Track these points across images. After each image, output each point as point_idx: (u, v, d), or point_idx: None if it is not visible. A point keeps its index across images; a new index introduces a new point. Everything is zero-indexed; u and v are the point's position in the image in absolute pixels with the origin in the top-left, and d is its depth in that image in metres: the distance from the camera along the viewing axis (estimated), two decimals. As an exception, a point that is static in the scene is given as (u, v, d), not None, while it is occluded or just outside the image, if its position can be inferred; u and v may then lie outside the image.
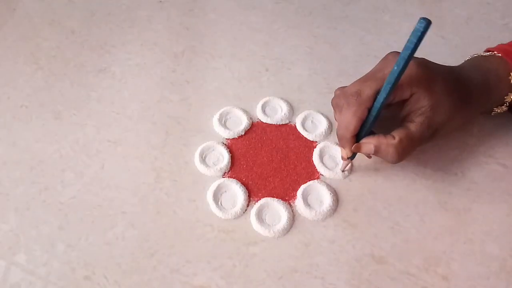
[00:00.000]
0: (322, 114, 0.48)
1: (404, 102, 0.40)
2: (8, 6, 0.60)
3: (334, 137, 0.47)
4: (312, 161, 0.45)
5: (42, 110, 0.49)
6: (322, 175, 0.44)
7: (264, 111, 0.49)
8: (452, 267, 0.39)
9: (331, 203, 0.42)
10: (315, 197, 0.43)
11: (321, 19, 0.58)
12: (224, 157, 0.45)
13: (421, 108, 0.39)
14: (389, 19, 0.58)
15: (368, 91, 0.39)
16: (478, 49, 0.46)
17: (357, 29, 0.57)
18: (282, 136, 0.47)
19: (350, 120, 0.40)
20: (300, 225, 0.41)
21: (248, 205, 0.42)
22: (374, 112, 0.39)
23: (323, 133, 0.47)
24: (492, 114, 0.45)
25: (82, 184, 0.43)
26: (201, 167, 0.44)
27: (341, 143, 0.42)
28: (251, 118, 0.48)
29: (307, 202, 0.42)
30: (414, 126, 0.40)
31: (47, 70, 0.53)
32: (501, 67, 0.43)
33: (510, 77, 0.42)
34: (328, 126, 0.47)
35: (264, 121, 0.48)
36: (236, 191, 0.43)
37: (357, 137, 0.41)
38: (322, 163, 0.45)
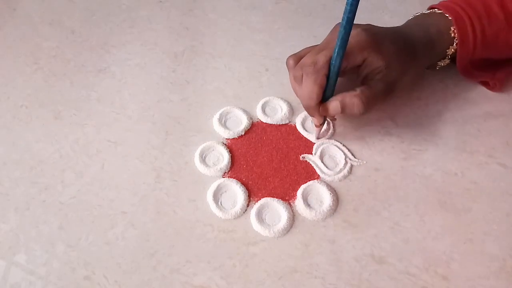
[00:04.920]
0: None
1: (358, 68, 0.43)
2: (8, 6, 0.60)
3: (334, 136, 0.47)
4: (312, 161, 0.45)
5: (42, 110, 0.49)
6: (322, 175, 0.44)
7: (264, 111, 0.49)
8: (452, 267, 0.39)
9: (331, 203, 0.42)
10: (315, 197, 0.43)
11: (321, 19, 0.58)
12: (224, 157, 0.45)
13: (376, 69, 0.42)
14: (389, 19, 0.58)
15: (323, 58, 0.41)
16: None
17: (357, 29, 0.57)
18: (282, 136, 0.47)
19: (311, 88, 0.42)
20: (300, 225, 0.41)
21: (248, 205, 0.42)
22: (332, 77, 0.42)
23: (323, 133, 0.47)
24: (437, 68, 0.48)
25: (82, 184, 0.43)
26: (201, 167, 0.44)
27: (309, 113, 0.44)
28: (251, 118, 0.48)
29: (307, 202, 0.42)
30: (373, 82, 0.42)
31: (47, 70, 0.53)
32: (442, 22, 0.45)
33: (450, 31, 0.45)
34: (328, 126, 0.47)
35: (264, 121, 0.48)
36: (236, 191, 0.43)
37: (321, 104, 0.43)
38: (322, 163, 0.45)
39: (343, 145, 0.46)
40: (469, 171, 0.44)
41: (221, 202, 0.42)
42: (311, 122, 0.48)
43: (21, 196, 0.43)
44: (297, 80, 0.43)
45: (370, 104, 0.42)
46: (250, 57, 0.54)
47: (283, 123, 0.48)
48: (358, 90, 0.42)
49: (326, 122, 0.46)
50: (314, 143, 0.46)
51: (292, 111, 0.49)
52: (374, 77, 0.42)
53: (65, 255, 0.39)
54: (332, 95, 0.43)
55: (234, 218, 0.41)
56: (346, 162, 0.45)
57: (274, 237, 0.40)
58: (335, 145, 0.46)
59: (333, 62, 0.41)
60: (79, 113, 0.49)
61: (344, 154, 0.45)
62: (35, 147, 0.46)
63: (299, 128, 0.47)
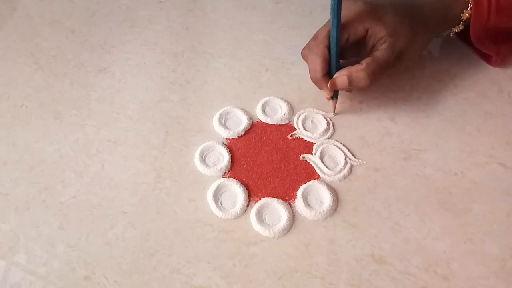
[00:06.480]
0: (322, 114, 0.48)
1: (364, 40, 0.44)
2: (8, 6, 0.60)
3: (334, 136, 0.47)
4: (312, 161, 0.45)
5: (42, 110, 0.49)
6: (322, 175, 0.44)
7: (264, 111, 0.49)
8: (452, 267, 0.39)
9: (331, 203, 0.42)
10: (315, 197, 0.43)
11: (321, 19, 0.58)
12: (224, 157, 0.45)
13: (381, 38, 0.43)
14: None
15: (322, 32, 0.44)
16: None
17: (357, 29, 0.57)
18: (282, 136, 0.47)
19: (315, 61, 0.44)
20: (300, 225, 0.41)
21: (248, 205, 0.42)
22: (333, 48, 0.44)
23: (323, 133, 0.47)
24: (451, 35, 0.49)
25: (82, 184, 0.43)
26: (201, 167, 0.44)
27: (318, 86, 0.46)
28: (251, 118, 0.48)
29: (307, 202, 0.42)
30: (379, 52, 0.43)
31: (47, 70, 0.53)
32: None
33: None
34: (328, 126, 0.47)
35: (264, 121, 0.48)
36: (236, 191, 0.43)
37: (330, 77, 0.45)
38: (322, 163, 0.45)
39: (343, 145, 0.46)
40: (469, 171, 0.44)
41: (221, 202, 0.42)
42: (311, 122, 0.48)
43: (21, 196, 0.43)
44: (305, 57, 0.46)
45: (376, 76, 0.43)
46: (250, 57, 0.54)
47: (283, 123, 0.48)
48: (363, 63, 0.43)
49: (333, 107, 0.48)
50: (314, 143, 0.46)
51: (292, 111, 0.49)
52: (380, 47, 0.43)
53: (65, 255, 0.39)
54: (338, 66, 0.44)
55: (234, 218, 0.41)
56: (346, 162, 0.45)
57: (274, 237, 0.40)
58: (335, 145, 0.46)
59: (331, 34, 0.43)
60: (79, 113, 0.49)
61: (344, 154, 0.45)
62: (35, 147, 0.46)
63: (299, 128, 0.47)
